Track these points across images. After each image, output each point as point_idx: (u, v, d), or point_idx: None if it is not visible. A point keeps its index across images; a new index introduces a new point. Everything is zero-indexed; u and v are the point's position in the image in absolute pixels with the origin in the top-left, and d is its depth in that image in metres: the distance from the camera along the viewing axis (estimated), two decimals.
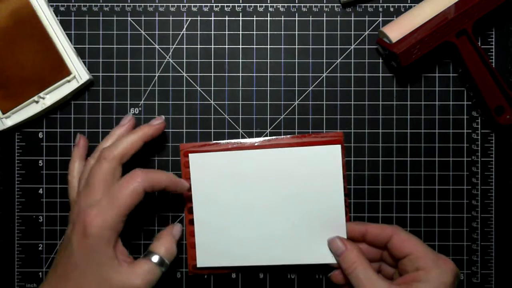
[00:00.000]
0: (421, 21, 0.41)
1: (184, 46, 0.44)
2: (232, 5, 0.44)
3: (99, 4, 0.44)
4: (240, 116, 0.44)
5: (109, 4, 0.44)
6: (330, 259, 0.41)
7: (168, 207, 0.44)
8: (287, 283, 0.44)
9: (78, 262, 0.35)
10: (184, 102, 0.44)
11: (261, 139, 0.43)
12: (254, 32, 0.44)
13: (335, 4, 0.44)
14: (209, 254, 0.42)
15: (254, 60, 0.44)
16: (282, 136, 0.44)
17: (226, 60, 0.44)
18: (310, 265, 0.42)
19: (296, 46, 0.44)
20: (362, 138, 0.44)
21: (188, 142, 0.44)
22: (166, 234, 0.39)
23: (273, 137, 0.43)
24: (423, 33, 0.40)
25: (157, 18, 0.44)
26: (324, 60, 0.44)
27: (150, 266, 0.36)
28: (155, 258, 0.37)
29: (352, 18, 0.44)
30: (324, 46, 0.44)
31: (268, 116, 0.44)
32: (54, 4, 0.44)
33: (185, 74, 0.44)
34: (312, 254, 0.42)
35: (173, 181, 0.38)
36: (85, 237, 0.35)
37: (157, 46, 0.44)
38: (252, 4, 0.44)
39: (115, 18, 0.44)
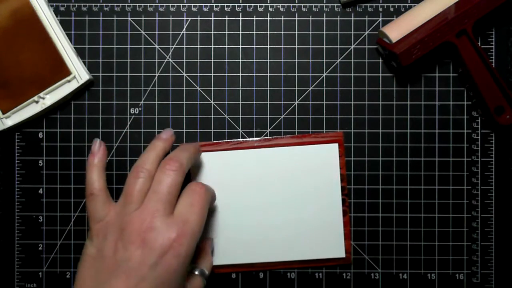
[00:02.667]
0: (421, 21, 0.41)
1: (184, 46, 0.44)
2: (232, 5, 0.44)
3: (99, 4, 0.44)
4: (240, 116, 0.44)
5: (109, 4, 0.44)
6: (328, 254, 0.42)
7: None
8: (287, 283, 0.44)
9: (145, 276, 0.33)
10: (184, 102, 0.44)
11: (261, 138, 0.43)
12: (254, 32, 0.44)
13: (335, 4, 0.44)
14: None
15: (254, 60, 0.44)
16: (282, 136, 0.44)
17: (226, 60, 0.44)
18: (310, 265, 0.43)
19: (296, 46, 0.44)
20: (362, 138, 0.44)
21: (188, 142, 0.44)
22: (207, 249, 0.41)
23: (273, 137, 0.43)
24: (423, 33, 0.40)
25: (157, 18, 0.44)
26: (324, 60, 0.44)
27: (200, 282, 0.38)
28: (202, 273, 0.39)
29: (352, 18, 0.44)
30: (324, 46, 0.44)
31: (268, 116, 0.44)
32: (54, 4, 0.44)
33: (185, 74, 0.44)
34: (312, 250, 0.42)
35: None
36: (165, 257, 0.33)
37: (157, 46, 0.44)
38: (252, 4, 0.44)
39: (115, 18, 0.44)
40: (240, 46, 0.44)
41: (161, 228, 0.33)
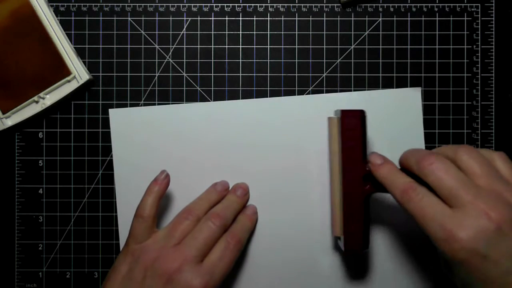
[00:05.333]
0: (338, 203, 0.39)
1: (184, 46, 0.44)
2: (232, 5, 0.44)
3: (99, 4, 0.44)
4: None
5: (109, 4, 0.44)
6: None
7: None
8: None
9: None
10: (184, 102, 0.44)
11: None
12: (254, 32, 0.44)
13: (335, 4, 0.44)
14: None
15: (254, 60, 0.44)
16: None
17: (226, 60, 0.44)
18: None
19: (296, 46, 0.44)
20: None
21: None
22: None
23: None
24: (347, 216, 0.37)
25: (157, 18, 0.44)
26: (324, 60, 0.44)
27: None
28: None
29: (352, 18, 0.44)
30: (324, 46, 0.44)
31: None
32: (54, 4, 0.44)
33: (185, 74, 0.44)
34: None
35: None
36: None
37: (157, 46, 0.44)
38: (252, 4, 0.44)
39: (115, 18, 0.44)
40: (240, 46, 0.44)
41: (188, 273, 0.35)
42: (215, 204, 0.40)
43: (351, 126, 0.36)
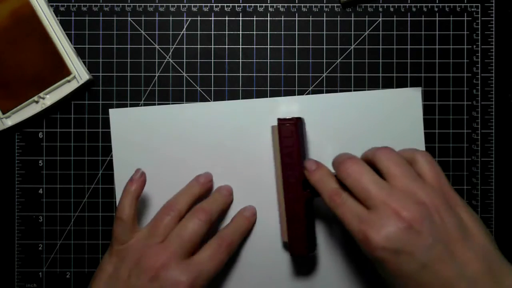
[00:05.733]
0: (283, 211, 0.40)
1: (184, 46, 0.44)
2: (232, 5, 0.44)
3: (99, 4, 0.44)
4: None
5: (109, 4, 0.44)
6: None
7: None
8: None
9: None
10: (184, 102, 0.44)
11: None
12: (254, 32, 0.44)
13: (335, 4, 0.44)
14: None
15: (254, 60, 0.44)
16: None
17: (226, 60, 0.44)
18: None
19: (296, 46, 0.44)
20: None
21: None
22: None
23: None
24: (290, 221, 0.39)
25: (157, 18, 0.44)
26: (324, 60, 0.44)
27: None
28: None
29: (352, 18, 0.44)
30: (324, 46, 0.44)
31: None
32: (54, 4, 0.44)
33: (185, 74, 0.44)
34: None
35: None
36: None
37: (157, 46, 0.44)
38: (252, 4, 0.44)
39: (115, 18, 0.44)
40: (240, 46, 0.44)
41: (175, 269, 0.35)
42: (198, 197, 0.40)
43: (288, 133, 0.38)
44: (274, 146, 0.40)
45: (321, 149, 0.42)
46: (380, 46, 0.44)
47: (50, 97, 0.43)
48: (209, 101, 0.44)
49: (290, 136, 0.38)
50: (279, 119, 0.38)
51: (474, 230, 0.31)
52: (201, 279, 0.36)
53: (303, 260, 0.43)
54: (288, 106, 0.43)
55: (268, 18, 0.44)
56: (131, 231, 0.38)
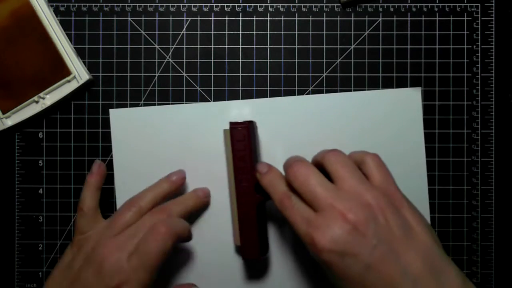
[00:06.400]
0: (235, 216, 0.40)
1: (184, 46, 0.44)
2: (232, 5, 0.44)
3: (99, 4, 0.44)
4: None
5: (109, 4, 0.44)
6: None
7: None
8: None
9: None
10: (184, 102, 0.44)
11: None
12: (254, 32, 0.44)
13: (335, 4, 0.44)
14: None
15: (254, 60, 0.44)
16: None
17: (226, 60, 0.44)
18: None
19: (296, 46, 0.44)
20: None
21: None
22: None
23: None
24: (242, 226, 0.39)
25: (157, 18, 0.44)
26: (324, 60, 0.44)
27: None
28: None
29: (352, 18, 0.44)
30: (324, 46, 0.44)
31: None
32: (54, 4, 0.44)
33: (185, 74, 0.44)
34: None
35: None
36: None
37: (157, 46, 0.44)
38: (252, 4, 0.44)
39: (115, 18, 0.44)
40: (240, 46, 0.44)
41: (119, 263, 0.35)
42: (166, 195, 0.40)
43: (240, 137, 0.38)
44: (226, 150, 0.40)
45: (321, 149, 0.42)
46: (380, 46, 0.44)
47: (50, 97, 0.43)
48: (209, 101, 0.44)
49: (243, 139, 0.38)
50: (231, 123, 0.38)
51: (417, 229, 0.31)
52: (145, 263, 0.35)
53: (255, 264, 0.43)
54: (289, 105, 0.43)
55: (268, 18, 0.44)
56: (92, 222, 0.39)
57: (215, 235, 0.43)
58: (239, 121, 0.38)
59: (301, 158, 0.35)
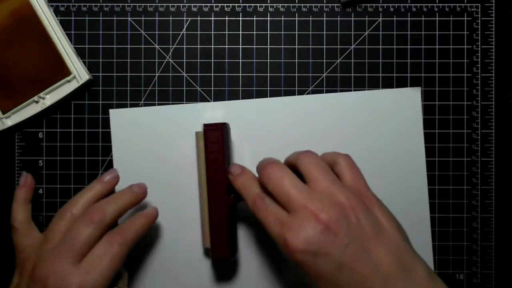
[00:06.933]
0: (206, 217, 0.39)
1: (184, 46, 0.44)
2: (232, 5, 0.44)
3: (99, 4, 0.44)
4: None
5: (109, 4, 0.44)
6: None
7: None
8: None
9: None
10: (184, 102, 0.44)
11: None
12: (254, 32, 0.44)
13: (335, 4, 0.44)
14: None
15: (254, 60, 0.44)
16: None
17: (226, 60, 0.44)
18: None
19: (296, 46, 0.44)
20: None
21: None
22: None
23: None
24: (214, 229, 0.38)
25: (157, 18, 0.44)
26: (324, 60, 0.44)
27: None
28: None
29: (352, 18, 0.44)
30: (324, 46, 0.44)
31: None
32: (54, 4, 0.44)
33: (185, 74, 0.44)
34: None
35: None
36: None
37: (157, 46, 0.44)
38: (252, 4, 0.44)
39: (115, 18, 0.44)
40: (240, 46, 0.44)
41: (64, 275, 0.34)
42: (99, 196, 0.39)
43: (214, 139, 0.38)
44: (197, 152, 0.40)
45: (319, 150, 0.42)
46: (380, 46, 0.44)
47: (50, 97, 0.43)
48: (209, 101, 0.44)
49: (216, 141, 0.38)
50: (204, 125, 0.38)
51: (387, 227, 0.32)
52: (91, 279, 0.34)
53: (224, 265, 0.43)
54: (290, 105, 0.43)
55: (268, 18, 0.44)
56: (28, 237, 0.38)
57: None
58: (212, 122, 0.39)
59: (274, 160, 0.35)
